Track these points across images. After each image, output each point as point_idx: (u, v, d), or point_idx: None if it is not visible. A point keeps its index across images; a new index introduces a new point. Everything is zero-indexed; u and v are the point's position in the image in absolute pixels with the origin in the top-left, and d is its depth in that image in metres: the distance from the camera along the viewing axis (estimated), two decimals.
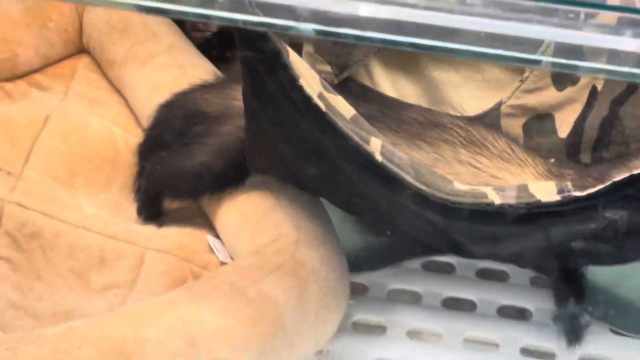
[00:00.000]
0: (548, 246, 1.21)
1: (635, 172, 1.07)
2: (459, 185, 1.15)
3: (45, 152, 1.48)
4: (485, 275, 1.44)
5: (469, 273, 1.44)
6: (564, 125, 1.38)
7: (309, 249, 1.30)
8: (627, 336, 1.36)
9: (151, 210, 1.43)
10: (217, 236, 1.42)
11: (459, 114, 1.38)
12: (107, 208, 1.45)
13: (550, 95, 1.38)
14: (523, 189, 1.11)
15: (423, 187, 1.12)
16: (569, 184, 1.11)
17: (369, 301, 1.39)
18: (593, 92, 1.35)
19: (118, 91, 1.60)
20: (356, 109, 1.19)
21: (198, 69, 1.53)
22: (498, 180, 1.29)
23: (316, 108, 1.11)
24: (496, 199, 1.10)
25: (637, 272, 1.40)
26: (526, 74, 1.37)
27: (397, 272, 1.43)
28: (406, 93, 1.43)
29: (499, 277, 1.44)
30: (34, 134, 1.49)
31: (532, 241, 1.19)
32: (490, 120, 1.39)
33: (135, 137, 1.53)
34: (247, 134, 1.27)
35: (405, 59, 1.41)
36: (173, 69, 1.53)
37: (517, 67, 1.38)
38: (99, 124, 1.53)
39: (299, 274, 1.27)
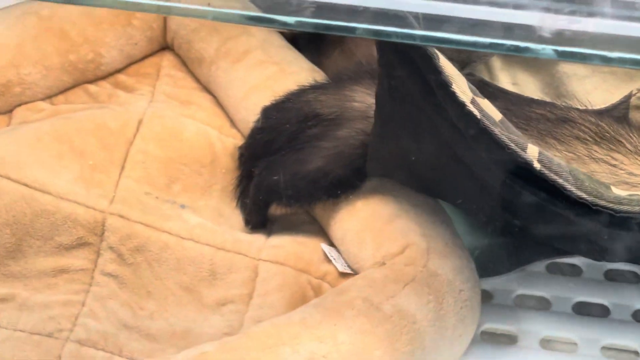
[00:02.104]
0: None
1: None
2: (617, 191, 1.08)
3: (141, 159, 1.40)
4: (615, 276, 1.37)
5: (598, 275, 1.37)
6: None
7: (440, 258, 1.23)
8: None
9: (259, 218, 1.35)
10: (331, 244, 1.34)
11: (585, 108, 1.30)
12: (210, 216, 1.37)
13: None
14: None
15: (584, 196, 1.05)
16: None
17: (496, 309, 1.32)
18: None
19: (207, 90, 1.51)
20: None
21: (295, 66, 1.46)
22: (636, 178, 1.22)
23: (470, 115, 1.04)
24: None
25: None
26: None
27: (522, 276, 1.36)
28: (526, 87, 1.35)
29: (630, 279, 1.36)
30: (127, 140, 1.41)
31: None
32: (618, 113, 1.32)
33: (232, 139, 1.45)
34: (375, 138, 1.20)
35: None
36: (269, 66, 1.45)
37: None
38: (194, 126, 1.45)
39: (434, 286, 1.20)
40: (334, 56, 1.53)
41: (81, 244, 1.33)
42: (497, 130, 1.05)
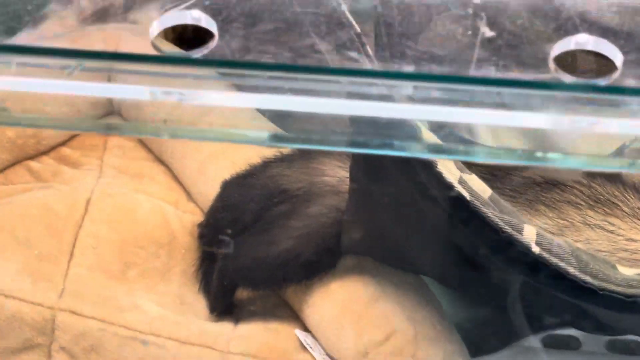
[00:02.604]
0: None
1: None
2: (623, 270, 0.97)
3: (92, 243, 1.27)
4: (618, 348, 1.25)
5: (599, 347, 1.26)
6: None
7: (430, 345, 1.12)
8: None
9: (225, 304, 1.23)
10: (306, 329, 1.21)
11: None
12: (171, 304, 1.24)
13: None
14: None
15: (590, 280, 0.95)
16: None
17: None
18: None
19: (160, 161, 1.38)
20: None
21: None
22: (635, 244, 1.11)
23: (459, 197, 0.92)
24: None
25: None
26: None
27: (516, 352, 1.24)
28: (511, 145, 1.23)
29: (635, 350, 1.25)
30: (76, 223, 1.28)
31: None
32: (610, 172, 1.21)
33: (189, 214, 1.33)
34: (349, 215, 1.09)
35: None
36: None
37: None
38: (148, 203, 1.32)
39: None
40: None
41: (29, 346, 1.20)
42: (489, 213, 0.94)
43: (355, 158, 1.02)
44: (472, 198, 0.94)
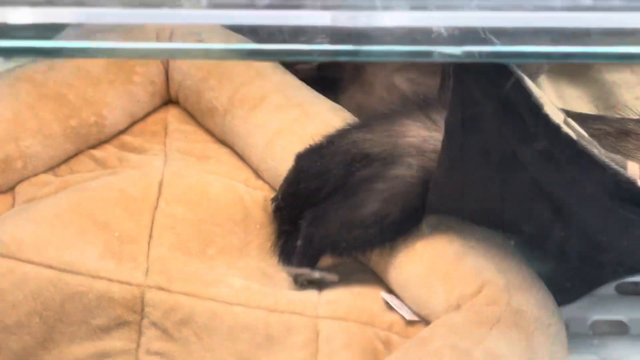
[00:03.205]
0: None
1: None
2: None
3: (170, 223, 1.29)
4: None
5: None
6: None
7: (522, 293, 1.14)
8: None
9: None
10: (389, 291, 1.24)
11: None
12: (254, 277, 1.26)
13: None
14: None
15: None
16: None
17: (573, 339, 1.23)
18: None
19: (222, 142, 1.40)
20: None
21: (318, 106, 1.36)
22: None
23: (566, 137, 0.95)
24: None
25: None
26: None
27: (593, 301, 1.28)
28: (574, 102, 1.28)
29: None
30: (151, 205, 1.30)
31: None
32: None
33: (260, 191, 1.35)
34: (441, 172, 1.12)
35: (572, 65, 1.26)
36: (291, 108, 1.35)
37: None
38: (219, 182, 1.34)
39: (522, 325, 1.12)
40: (350, 91, 1.44)
41: (120, 324, 1.21)
42: (595, 151, 0.96)
43: (452, 108, 1.04)
44: (578, 138, 0.96)
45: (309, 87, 1.41)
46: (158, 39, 0.87)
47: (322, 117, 1.33)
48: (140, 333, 1.21)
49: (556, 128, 0.96)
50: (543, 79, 1.30)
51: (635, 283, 1.32)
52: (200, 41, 0.81)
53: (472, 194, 1.13)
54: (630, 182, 0.97)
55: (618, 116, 1.23)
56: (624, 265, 1.25)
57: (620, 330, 1.27)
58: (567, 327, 1.26)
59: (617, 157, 0.99)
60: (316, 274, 1.21)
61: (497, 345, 1.09)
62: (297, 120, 1.34)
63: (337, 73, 1.46)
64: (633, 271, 1.29)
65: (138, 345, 1.21)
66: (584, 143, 0.96)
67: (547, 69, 1.28)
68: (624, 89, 1.30)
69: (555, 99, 1.30)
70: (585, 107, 1.31)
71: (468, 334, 1.10)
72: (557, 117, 0.96)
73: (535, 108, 0.96)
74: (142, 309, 1.22)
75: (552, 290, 1.24)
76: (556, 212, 1.10)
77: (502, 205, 1.12)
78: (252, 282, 1.26)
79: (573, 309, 1.28)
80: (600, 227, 1.08)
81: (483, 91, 0.99)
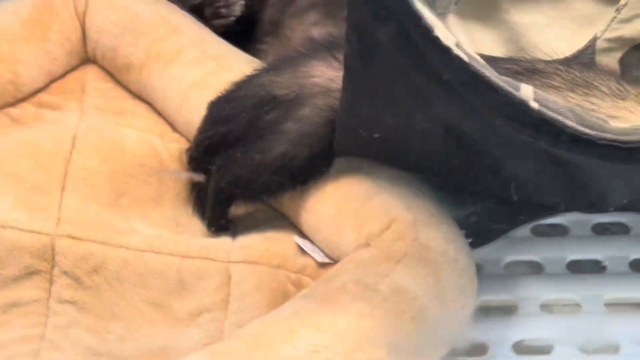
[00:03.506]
0: None
1: None
2: (617, 124, 1.00)
3: (83, 175, 1.28)
4: (603, 230, 1.30)
5: (585, 231, 1.30)
6: None
7: (430, 228, 1.14)
8: None
9: (222, 219, 1.25)
10: (304, 236, 1.24)
11: (551, 58, 1.23)
12: (167, 226, 1.26)
13: None
14: None
15: (588, 131, 0.97)
16: None
17: (488, 280, 1.24)
18: None
19: (140, 98, 1.40)
20: None
21: (233, 59, 1.36)
22: (617, 120, 1.15)
23: (457, 60, 0.95)
24: None
25: None
26: (622, 1, 1.24)
27: (508, 243, 1.28)
28: (484, 45, 1.28)
29: (619, 231, 1.30)
30: (64, 158, 1.30)
31: None
32: (584, 59, 1.26)
33: (176, 143, 1.35)
34: (344, 109, 1.11)
35: (482, 7, 1.27)
36: (206, 61, 1.35)
37: None
38: (134, 135, 1.34)
39: (429, 259, 1.12)
40: (267, 45, 1.44)
41: (30, 273, 1.21)
42: (487, 73, 0.96)
43: (348, 39, 1.03)
44: (470, 60, 0.96)
45: (225, 42, 1.41)
46: None
47: (237, 69, 1.33)
48: (51, 282, 1.21)
49: (446, 50, 0.95)
50: (452, 20, 1.30)
51: (551, 225, 1.32)
52: None
53: (377, 132, 1.12)
54: (523, 103, 0.97)
55: (528, 57, 1.23)
56: (536, 204, 1.25)
57: (534, 270, 1.27)
58: (482, 268, 1.27)
59: (510, 80, 0.99)
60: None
61: (403, 278, 1.09)
62: (213, 73, 1.34)
63: (254, 28, 1.46)
64: (547, 213, 1.29)
65: (49, 294, 1.20)
66: (475, 65, 0.96)
67: (454, 3, 1.28)
68: (534, 30, 1.31)
69: (467, 42, 1.30)
70: (496, 49, 1.31)
71: (374, 268, 1.10)
72: (448, 40, 0.96)
73: (425, 31, 0.95)
74: (53, 258, 1.21)
75: (467, 232, 1.24)
76: (462, 147, 1.09)
77: (409, 142, 1.12)
78: (165, 230, 1.25)
79: (487, 252, 1.28)
80: (503, 156, 1.08)
81: (376, 18, 0.98)
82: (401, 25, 0.96)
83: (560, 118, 0.97)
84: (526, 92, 0.97)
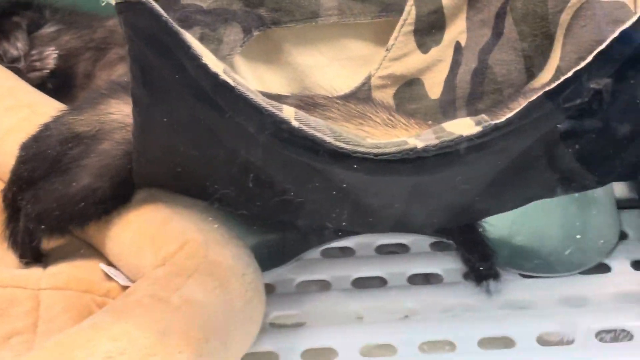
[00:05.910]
0: (461, 196, 1.21)
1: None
2: (374, 140, 1.14)
3: None
4: (385, 251, 1.43)
5: (369, 252, 1.43)
6: (434, 87, 1.40)
7: (219, 248, 1.26)
8: (536, 277, 1.38)
9: (34, 250, 1.34)
10: (110, 263, 1.34)
11: (331, 95, 1.37)
12: None
13: (416, 59, 1.40)
14: (439, 129, 1.11)
15: (344, 145, 1.09)
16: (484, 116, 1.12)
17: (281, 298, 1.36)
18: (457, 48, 1.38)
19: None
20: None
21: (47, 106, 1.46)
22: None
23: (224, 84, 1.07)
24: (417, 143, 1.09)
25: (528, 220, 1.42)
26: (391, 42, 1.39)
27: (300, 265, 1.41)
28: (272, 85, 1.41)
29: (398, 250, 1.43)
30: None
31: (450, 191, 1.19)
32: (362, 94, 1.40)
33: None
34: (136, 140, 1.21)
35: (268, 50, 1.40)
36: (21, 109, 1.46)
37: (382, 38, 1.40)
38: None
39: (217, 273, 1.23)
40: (81, 96, 1.55)
41: None
42: (252, 95, 1.08)
43: (132, 72, 1.14)
44: (236, 84, 1.08)
45: (38, 91, 1.51)
46: None
47: (50, 115, 1.42)
48: None
49: (214, 76, 1.07)
50: (239, 61, 1.42)
51: (340, 248, 1.44)
52: None
53: (167, 160, 1.23)
54: (285, 122, 1.09)
55: (311, 94, 1.37)
56: (325, 233, 1.37)
57: (323, 287, 1.39)
58: (275, 288, 1.38)
59: (274, 102, 1.11)
60: None
61: (193, 291, 1.20)
62: (27, 120, 1.44)
63: (68, 80, 1.57)
64: (335, 238, 1.42)
65: None
66: (241, 88, 1.07)
67: (239, 46, 1.40)
68: (316, 70, 1.44)
69: (254, 82, 1.43)
70: (283, 89, 1.44)
71: (167, 283, 1.20)
72: (216, 67, 1.07)
73: (194, 59, 1.06)
74: None
75: (262, 256, 1.35)
76: (247, 173, 1.20)
77: (200, 171, 1.23)
78: None
79: (280, 273, 1.39)
80: (286, 180, 1.19)
81: (152, 51, 1.09)
82: (174, 55, 1.07)
83: (318, 135, 1.09)
84: (288, 112, 1.10)
